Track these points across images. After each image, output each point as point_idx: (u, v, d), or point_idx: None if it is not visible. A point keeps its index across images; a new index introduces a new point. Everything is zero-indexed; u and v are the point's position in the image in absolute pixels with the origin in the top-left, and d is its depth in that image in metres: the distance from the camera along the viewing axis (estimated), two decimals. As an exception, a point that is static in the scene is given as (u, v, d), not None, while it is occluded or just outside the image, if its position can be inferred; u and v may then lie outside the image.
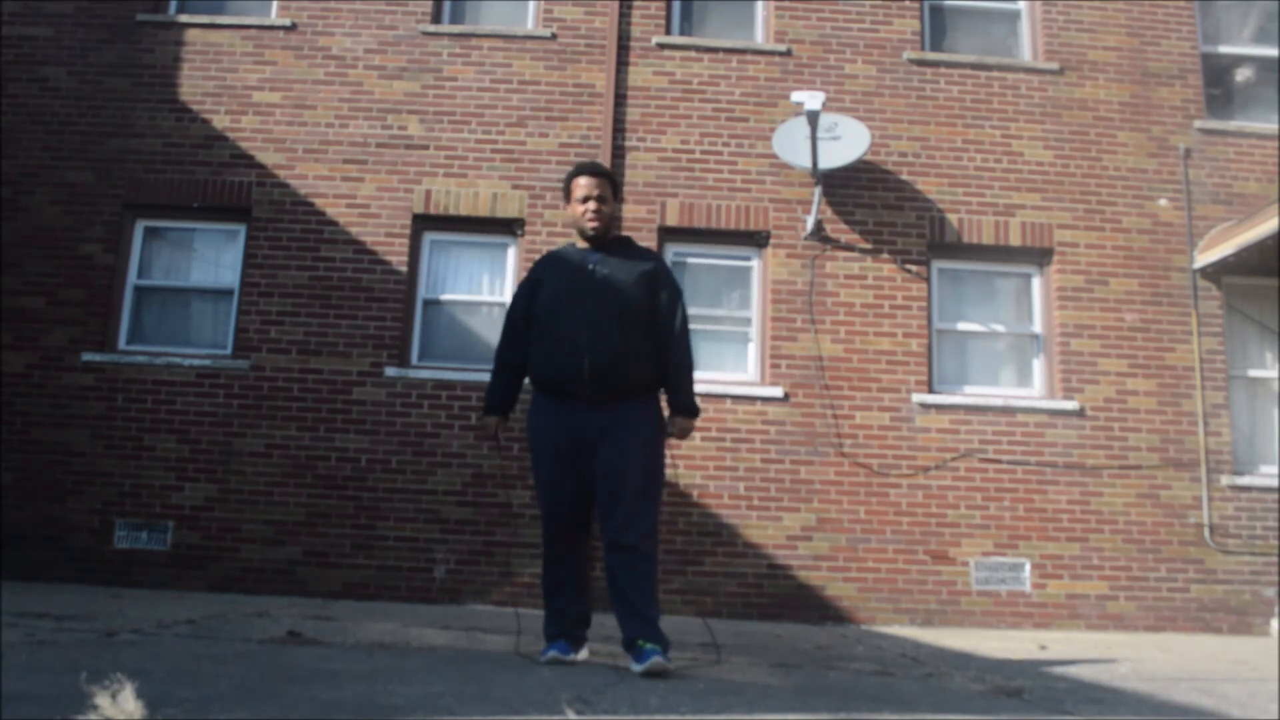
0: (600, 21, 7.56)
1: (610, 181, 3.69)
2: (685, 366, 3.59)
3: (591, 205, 3.60)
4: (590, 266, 3.56)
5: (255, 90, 7.41)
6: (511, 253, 7.34)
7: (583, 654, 3.50)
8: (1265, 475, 7.03)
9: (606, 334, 3.42)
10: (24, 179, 7.23)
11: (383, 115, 7.37)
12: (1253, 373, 7.34)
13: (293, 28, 7.51)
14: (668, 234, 7.27)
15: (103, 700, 1.85)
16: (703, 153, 7.37)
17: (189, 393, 6.91)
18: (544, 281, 3.62)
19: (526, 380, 3.73)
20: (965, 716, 2.68)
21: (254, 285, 7.10)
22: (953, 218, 7.30)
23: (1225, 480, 6.95)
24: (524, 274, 7.65)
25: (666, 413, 3.64)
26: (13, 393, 6.87)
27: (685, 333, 3.60)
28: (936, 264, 7.36)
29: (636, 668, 3.14)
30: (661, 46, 7.56)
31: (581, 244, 3.66)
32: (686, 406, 3.60)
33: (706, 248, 7.34)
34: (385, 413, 6.89)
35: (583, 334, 3.42)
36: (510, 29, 7.60)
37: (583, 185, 3.63)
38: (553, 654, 3.39)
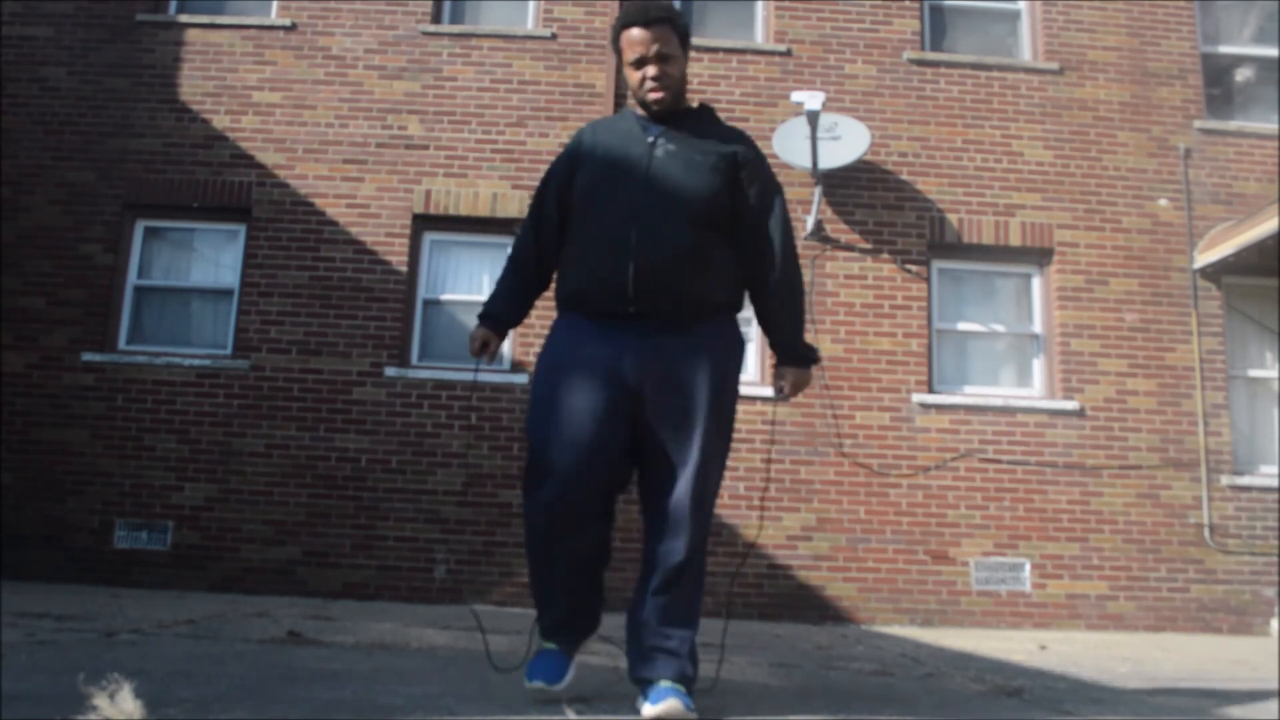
0: (600, 21, 7.56)
1: (674, 28, 2.56)
2: (794, 290, 2.60)
3: (651, 70, 2.55)
4: (650, 141, 2.56)
5: (255, 90, 7.41)
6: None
7: (567, 678, 2.56)
8: (1265, 475, 7.03)
9: (665, 229, 2.45)
10: (24, 179, 7.23)
11: (383, 115, 7.37)
12: (1253, 373, 7.34)
13: (293, 28, 7.51)
14: (668, 234, 7.26)
15: (102, 700, 1.85)
16: (703, 153, 7.36)
17: (189, 393, 6.91)
18: (585, 161, 2.62)
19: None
20: (965, 716, 2.68)
21: (254, 285, 7.10)
22: (953, 218, 7.30)
23: (1225, 480, 6.95)
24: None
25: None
26: (13, 393, 6.87)
27: (791, 244, 2.61)
28: (936, 264, 7.36)
29: (648, 709, 2.31)
30: (661, 46, 7.56)
31: (641, 111, 2.65)
32: (800, 351, 2.60)
33: (706, 248, 7.34)
34: (385, 413, 6.89)
35: (631, 229, 2.45)
36: (510, 29, 7.60)
37: (635, 42, 2.54)
38: (538, 684, 2.50)
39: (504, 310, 2.72)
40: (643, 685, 2.43)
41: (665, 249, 2.44)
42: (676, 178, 2.51)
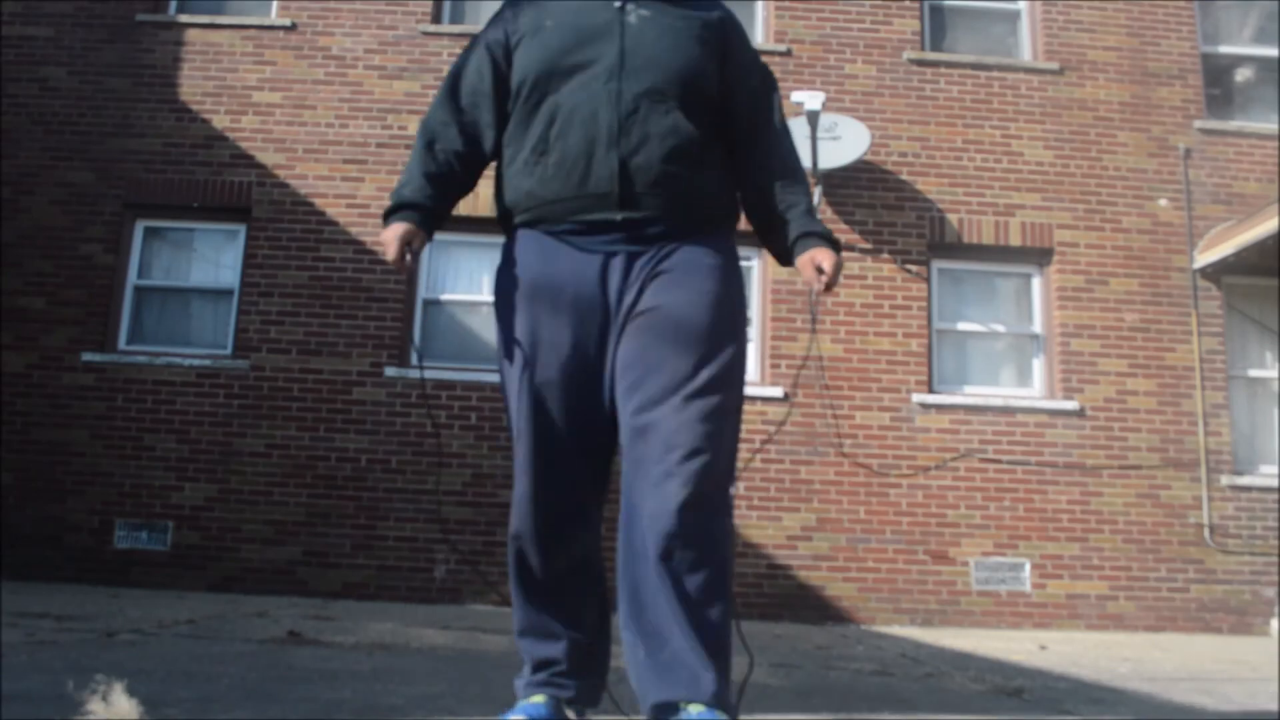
0: (600, 21, 7.55)
1: None
2: (803, 177, 2.15)
3: None
4: (619, 6, 2.03)
5: (255, 90, 7.41)
6: (511, 253, 7.33)
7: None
8: (1265, 475, 7.03)
9: (653, 113, 1.93)
10: (24, 179, 7.23)
11: (383, 115, 7.37)
12: (1253, 373, 7.33)
13: (293, 28, 7.51)
14: (668, 234, 7.26)
15: (96, 704, 1.85)
16: (703, 153, 7.36)
17: (189, 393, 6.91)
18: (528, 32, 2.05)
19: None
20: (965, 716, 2.68)
21: (254, 285, 7.10)
22: (953, 218, 7.30)
23: (1225, 480, 6.95)
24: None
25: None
26: (13, 393, 6.87)
27: (787, 132, 2.19)
28: (936, 264, 7.36)
29: None
30: (661, 46, 7.56)
31: None
32: (821, 230, 2.05)
33: (706, 248, 7.34)
34: (385, 413, 6.89)
35: (608, 113, 1.92)
36: (510, 29, 7.59)
37: None
38: None
39: (427, 197, 2.03)
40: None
41: (656, 137, 1.92)
42: (658, 48, 1.99)
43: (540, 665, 2.01)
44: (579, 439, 1.96)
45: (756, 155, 2.11)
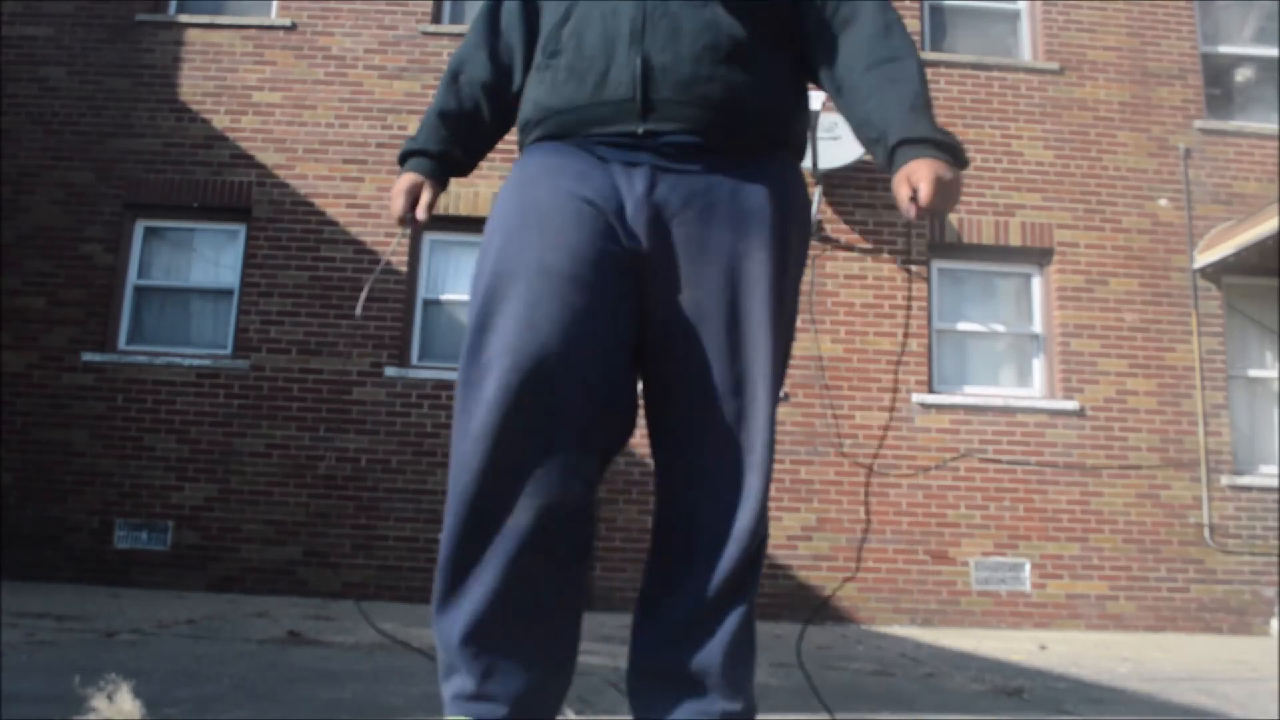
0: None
1: None
2: (906, 52, 1.56)
3: None
4: None
5: (255, 90, 7.41)
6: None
7: None
8: (1265, 475, 7.03)
9: (681, 4, 1.54)
10: (24, 179, 7.23)
11: (383, 115, 7.37)
12: (1253, 373, 7.33)
13: (293, 28, 7.50)
14: (668, 234, 7.26)
15: (100, 701, 1.85)
16: (703, 153, 7.36)
17: (189, 393, 6.91)
18: None
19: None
20: (965, 716, 2.68)
21: (254, 285, 7.10)
22: (953, 218, 7.30)
23: (1225, 480, 6.95)
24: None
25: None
26: (13, 393, 6.87)
27: (899, 21, 1.61)
28: (936, 264, 7.36)
29: None
30: (661, 46, 7.56)
31: None
32: (928, 133, 1.46)
33: (706, 248, 7.34)
34: (385, 413, 6.89)
35: (629, 4, 1.55)
36: (510, 29, 7.59)
37: None
38: None
39: (440, 140, 1.73)
40: None
41: (689, 33, 1.52)
42: None
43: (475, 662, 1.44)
44: (584, 349, 1.44)
45: (835, 31, 1.58)
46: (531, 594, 1.42)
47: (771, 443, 1.53)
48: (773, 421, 1.53)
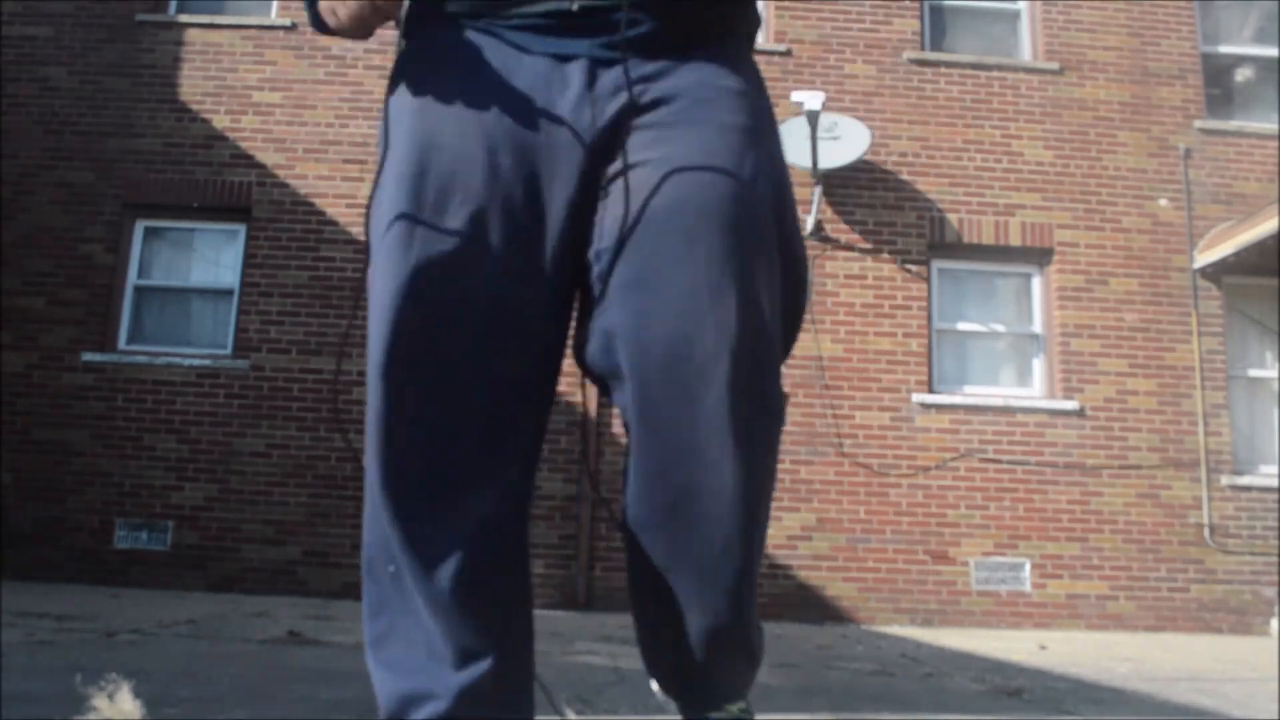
0: (600, 21, 7.56)
1: None
2: None
3: None
4: None
5: (255, 90, 7.41)
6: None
7: None
8: (1265, 475, 7.03)
9: None
10: (24, 179, 7.23)
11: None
12: (1253, 373, 7.33)
13: (293, 28, 7.50)
14: (668, 234, 7.26)
15: (101, 701, 1.85)
16: (703, 153, 7.36)
17: (189, 393, 6.91)
18: None
19: None
20: (965, 716, 2.68)
21: (254, 285, 7.10)
22: (953, 218, 7.30)
23: (1225, 480, 6.95)
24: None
25: None
26: (13, 393, 6.87)
27: None
28: (936, 264, 7.35)
29: None
30: (661, 46, 7.56)
31: None
32: None
33: (706, 248, 7.33)
34: (385, 413, 6.88)
35: None
36: (510, 29, 7.59)
37: None
38: None
39: None
40: None
41: None
42: None
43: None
44: (494, 355, 1.13)
45: None
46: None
47: (774, 410, 1.16)
48: (776, 363, 1.18)
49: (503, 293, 1.13)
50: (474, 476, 1.14)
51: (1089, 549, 6.82)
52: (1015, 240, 7.31)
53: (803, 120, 6.89)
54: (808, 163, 6.93)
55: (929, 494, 6.86)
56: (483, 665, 1.12)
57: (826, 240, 7.23)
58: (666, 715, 2.41)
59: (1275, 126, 7.54)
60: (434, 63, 1.20)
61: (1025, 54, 7.80)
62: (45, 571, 6.50)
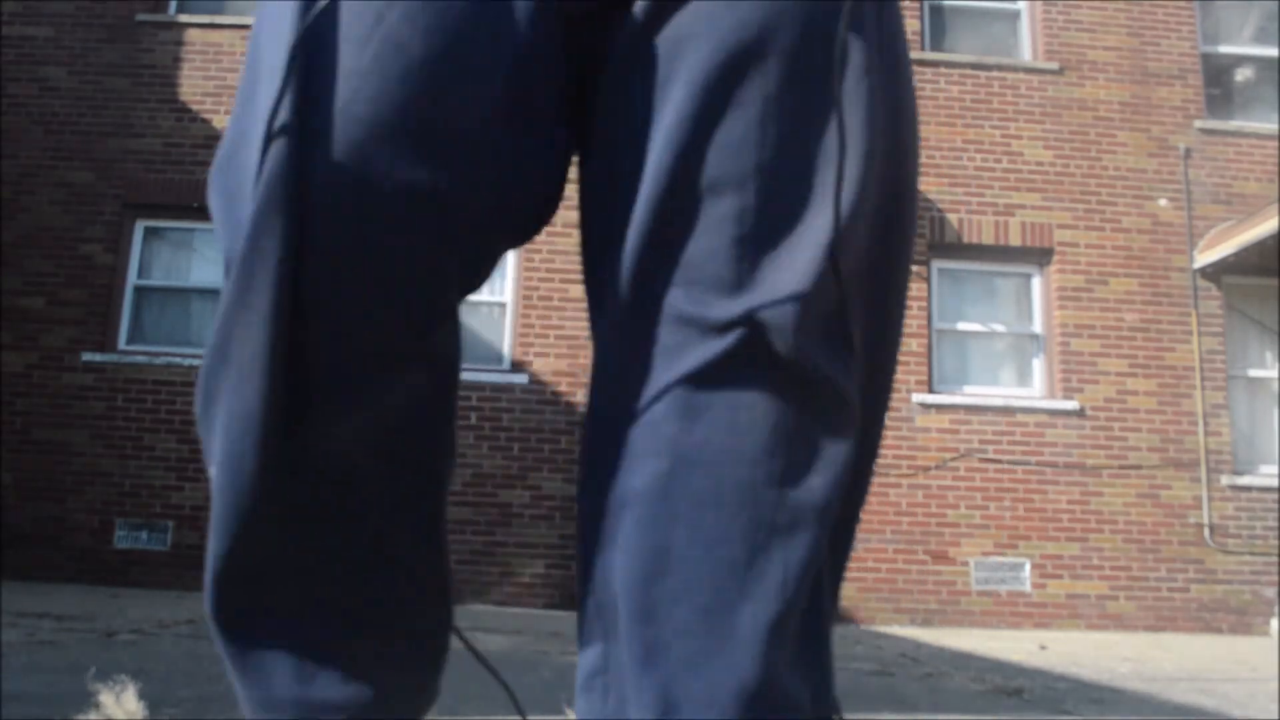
0: (600, 21, 7.56)
1: None
2: None
3: None
4: None
5: (255, 90, 7.41)
6: (510, 252, 7.33)
7: None
8: (1265, 475, 7.03)
9: None
10: (24, 179, 7.23)
11: (383, 115, 7.37)
12: (1253, 373, 7.34)
13: (293, 28, 7.50)
14: (668, 234, 7.27)
15: (108, 699, 1.85)
16: (703, 153, 7.37)
17: (189, 393, 6.91)
18: None
19: None
20: (965, 716, 2.68)
21: (254, 285, 7.09)
22: (953, 218, 7.30)
23: (1225, 480, 6.95)
24: (522, 272, 7.68)
25: None
26: (13, 393, 6.87)
27: None
28: (936, 264, 7.36)
29: None
30: (661, 46, 7.56)
31: None
32: None
33: (706, 248, 7.34)
34: (385, 413, 6.88)
35: None
36: (510, 29, 7.60)
37: None
38: None
39: None
40: None
41: None
42: None
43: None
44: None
45: None
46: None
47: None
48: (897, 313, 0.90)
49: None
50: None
51: (1089, 549, 6.82)
52: (1015, 240, 7.31)
53: (803, 120, 6.90)
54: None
55: (929, 494, 6.86)
56: None
57: (826, 240, 7.22)
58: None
59: (1275, 126, 7.54)
60: None
61: (1025, 54, 7.80)
62: (45, 571, 6.50)
